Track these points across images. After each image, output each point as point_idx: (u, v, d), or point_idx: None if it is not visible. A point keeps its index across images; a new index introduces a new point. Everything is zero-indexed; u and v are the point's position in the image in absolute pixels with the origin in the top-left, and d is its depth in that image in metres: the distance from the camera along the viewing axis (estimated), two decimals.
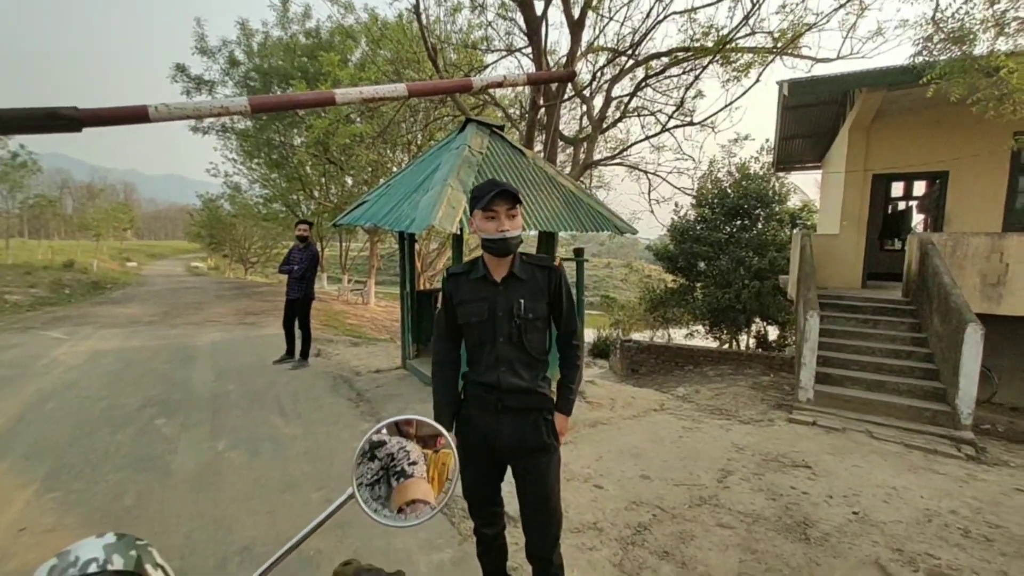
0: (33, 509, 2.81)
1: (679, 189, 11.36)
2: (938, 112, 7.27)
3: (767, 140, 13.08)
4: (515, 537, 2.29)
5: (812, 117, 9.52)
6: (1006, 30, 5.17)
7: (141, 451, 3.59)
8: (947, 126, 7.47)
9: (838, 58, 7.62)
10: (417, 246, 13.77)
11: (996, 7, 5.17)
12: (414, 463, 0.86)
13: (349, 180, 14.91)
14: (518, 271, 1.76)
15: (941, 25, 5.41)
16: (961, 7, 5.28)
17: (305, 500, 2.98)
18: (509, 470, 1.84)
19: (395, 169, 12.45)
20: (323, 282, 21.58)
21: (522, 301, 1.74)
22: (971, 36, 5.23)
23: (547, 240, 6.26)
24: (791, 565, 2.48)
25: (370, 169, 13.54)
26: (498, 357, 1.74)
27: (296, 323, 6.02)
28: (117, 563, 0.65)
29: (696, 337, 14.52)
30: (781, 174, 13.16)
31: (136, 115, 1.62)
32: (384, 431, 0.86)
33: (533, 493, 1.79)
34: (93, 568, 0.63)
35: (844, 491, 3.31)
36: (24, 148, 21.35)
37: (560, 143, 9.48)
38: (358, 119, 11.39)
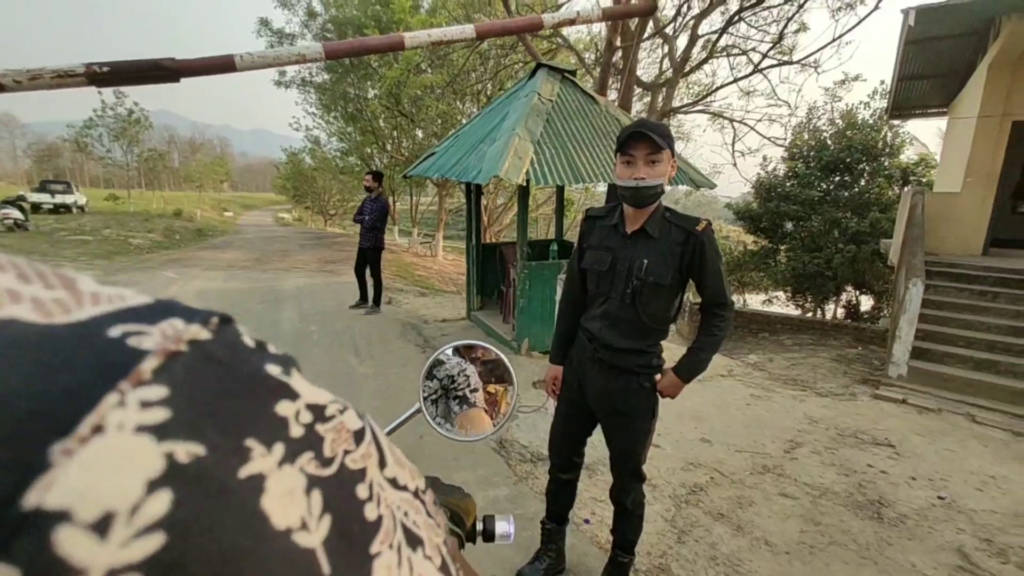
0: None
1: (769, 139, 10.36)
2: None
3: (882, 82, 11.34)
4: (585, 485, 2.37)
5: (942, 52, 8.07)
6: None
7: None
8: None
9: None
10: (484, 201, 13.83)
11: None
12: (475, 390, 0.89)
13: (420, 133, 15.09)
14: (650, 227, 1.59)
15: None
16: None
17: None
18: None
19: (464, 121, 12.40)
20: (394, 234, 22.49)
21: (645, 262, 1.58)
22: None
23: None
24: (858, 542, 2.36)
25: (440, 121, 13.57)
26: (606, 311, 1.67)
27: (368, 271, 6.34)
28: None
29: (775, 304, 13.59)
30: (896, 122, 11.43)
31: (225, 65, 1.69)
32: (450, 350, 0.90)
33: (615, 448, 1.81)
34: None
35: (930, 474, 3.05)
36: (137, 105, 23.66)
37: (637, 89, 8.87)
38: (428, 69, 11.34)
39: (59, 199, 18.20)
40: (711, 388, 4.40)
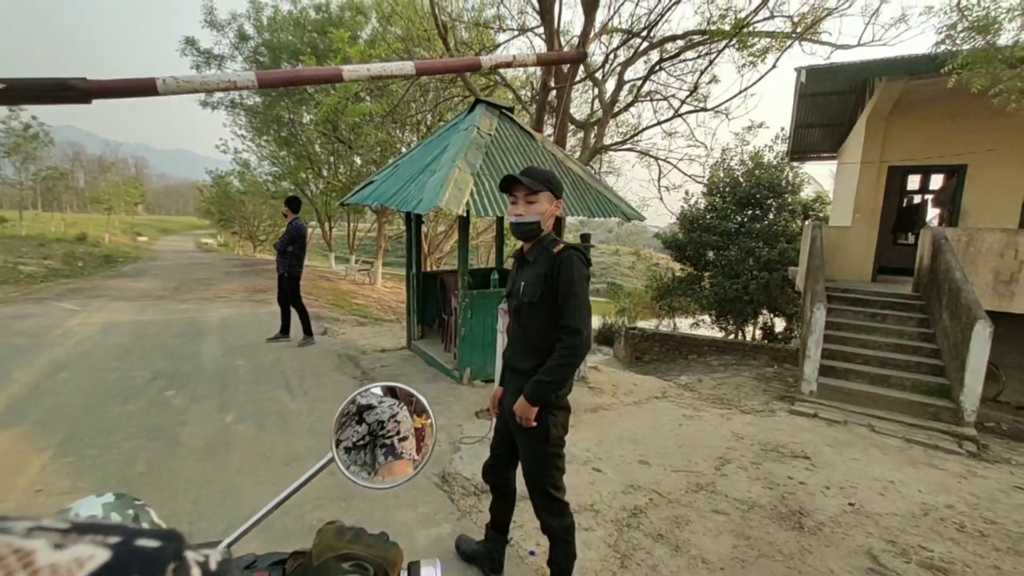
0: (49, 473, 2.91)
1: (690, 177, 11.23)
2: (958, 103, 7.08)
3: (782, 128, 12.82)
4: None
5: (829, 106, 9.31)
6: None
7: (152, 421, 3.68)
8: (967, 118, 7.28)
9: (859, 45, 7.45)
10: (424, 228, 13.76)
11: None
12: (404, 439, 0.86)
13: (358, 159, 14.86)
14: (530, 254, 1.82)
15: (966, 13, 5.24)
16: None
17: None
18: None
19: (404, 149, 12.39)
20: (331, 261, 21.69)
21: (523, 283, 1.80)
22: (996, 25, 5.07)
23: (554, 225, 6.23)
24: (783, 552, 2.52)
25: (379, 149, 13.47)
26: (512, 333, 1.91)
27: (290, 300, 5.98)
28: (115, 520, 0.67)
29: (702, 327, 14.50)
30: (795, 164, 12.93)
31: (144, 88, 1.62)
32: (378, 390, 0.87)
33: (523, 467, 1.92)
34: None
35: (841, 483, 3.33)
36: (36, 119, 21.42)
37: (570, 127, 9.36)
38: (367, 98, 11.30)
39: None
40: (647, 410, 4.58)
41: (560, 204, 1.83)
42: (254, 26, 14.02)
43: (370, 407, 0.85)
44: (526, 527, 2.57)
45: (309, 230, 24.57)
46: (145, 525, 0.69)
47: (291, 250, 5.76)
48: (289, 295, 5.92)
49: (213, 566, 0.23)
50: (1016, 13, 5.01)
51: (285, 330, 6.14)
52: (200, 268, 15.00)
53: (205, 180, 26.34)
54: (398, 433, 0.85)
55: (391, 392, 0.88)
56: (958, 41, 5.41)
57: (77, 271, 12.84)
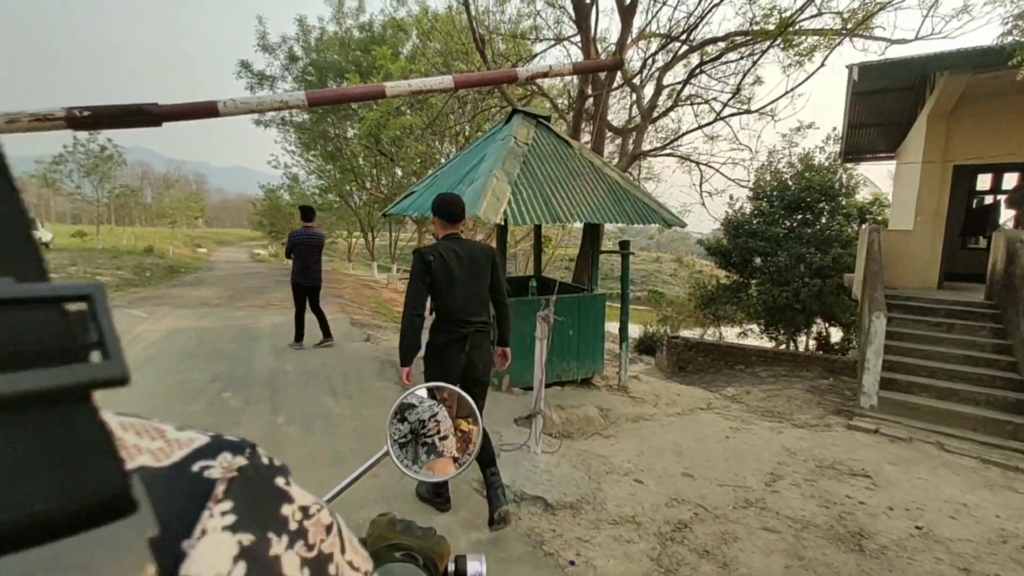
0: None
1: (734, 181, 10.88)
2: None
3: (834, 129, 12.24)
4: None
5: (885, 104, 8.80)
6: None
7: (210, 421, 3.90)
8: None
9: (916, 39, 7.04)
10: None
11: None
12: (445, 437, 0.89)
13: (399, 171, 15.32)
14: None
15: None
16: None
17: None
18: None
19: (443, 160, 12.67)
20: (374, 270, 22.37)
21: None
22: None
23: (592, 232, 6.19)
24: (841, 575, 2.37)
25: (419, 160, 13.84)
26: None
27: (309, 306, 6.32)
28: None
29: (749, 336, 13.89)
30: (849, 165, 12.25)
31: (207, 110, 1.75)
32: (422, 392, 0.91)
33: None
34: None
35: (906, 504, 3.11)
36: (111, 142, 23.37)
37: (608, 133, 9.29)
38: (408, 111, 11.66)
39: None
40: (690, 421, 4.43)
41: (432, 216, 2.74)
42: (302, 47, 14.81)
43: (411, 407, 0.89)
44: (565, 536, 2.54)
45: (353, 240, 25.46)
46: None
47: (292, 257, 6.05)
48: (295, 298, 6.23)
49: (278, 462, 0.31)
50: None
51: (327, 334, 6.40)
52: (253, 278, 15.81)
53: (258, 194, 27.88)
54: (438, 432, 0.89)
55: (431, 393, 0.92)
56: None
57: (145, 281, 13.83)
